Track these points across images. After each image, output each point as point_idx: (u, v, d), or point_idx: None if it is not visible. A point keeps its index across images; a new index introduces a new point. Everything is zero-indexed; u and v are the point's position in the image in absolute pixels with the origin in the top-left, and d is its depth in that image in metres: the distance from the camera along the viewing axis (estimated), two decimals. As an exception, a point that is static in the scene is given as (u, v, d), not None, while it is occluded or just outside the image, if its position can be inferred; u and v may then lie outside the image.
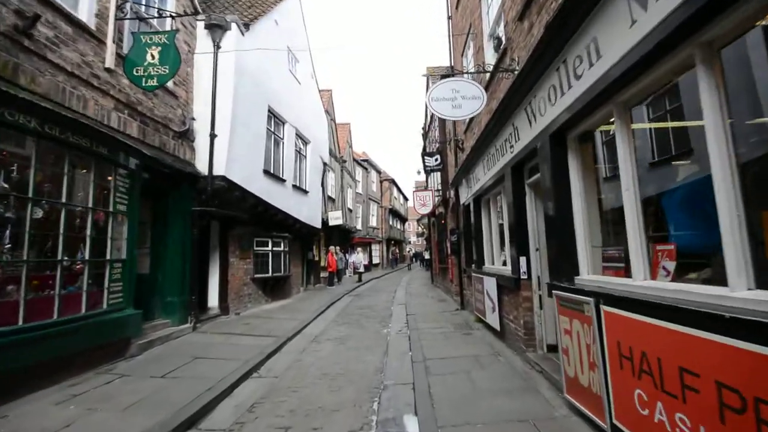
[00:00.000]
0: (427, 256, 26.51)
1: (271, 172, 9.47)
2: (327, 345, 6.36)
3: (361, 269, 17.24)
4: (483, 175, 6.54)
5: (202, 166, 7.27)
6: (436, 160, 9.96)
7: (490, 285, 6.02)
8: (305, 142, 12.16)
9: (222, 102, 7.46)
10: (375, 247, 30.02)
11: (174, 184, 6.84)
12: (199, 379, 4.48)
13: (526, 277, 4.69)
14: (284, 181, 10.12)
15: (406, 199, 43.22)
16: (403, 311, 9.48)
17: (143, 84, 5.33)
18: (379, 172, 32.35)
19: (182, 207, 6.97)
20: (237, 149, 7.79)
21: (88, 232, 4.79)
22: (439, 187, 11.08)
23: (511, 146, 4.79)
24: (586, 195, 3.46)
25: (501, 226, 6.51)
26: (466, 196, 8.24)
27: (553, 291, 3.45)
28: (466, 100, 4.43)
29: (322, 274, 15.78)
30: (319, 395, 4.15)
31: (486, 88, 5.10)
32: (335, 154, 17.86)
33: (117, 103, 5.49)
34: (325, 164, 14.07)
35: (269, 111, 9.43)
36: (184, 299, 6.82)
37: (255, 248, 9.66)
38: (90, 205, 4.85)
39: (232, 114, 7.58)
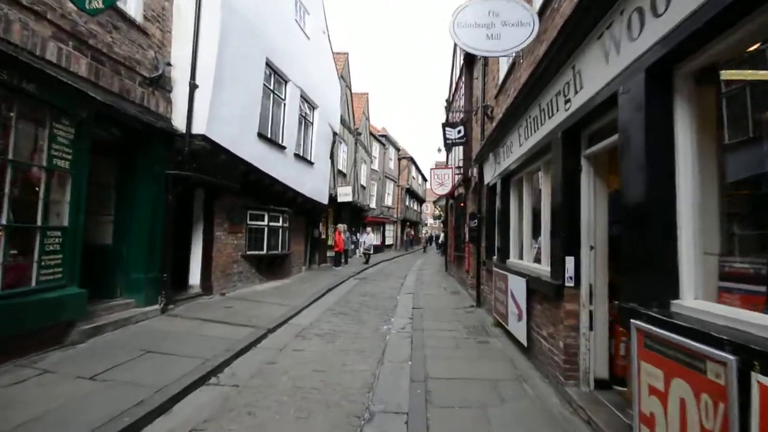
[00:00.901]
0: (442, 239, 25.24)
1: (268, 136, 8.30)
2: (313, 343, 5.31)
3: (371, 251, 16.12)
4: (517, 148, 5.16)
5: (180, 122, 6.16)
6: (459, 132, 8.54)
7: (517, 286, 4.76)
8: (312, 107, 10.87)
9: (206, 45, 6.25)
10: (389, 228, 28.91)
11: (144, 142, 5.78)
12: (136, 385, 3.49)
13: (572, 284, 3.41)
14: (284, 148, 8.95)
15: (425, 179, 41.55)
16: (410, 302, 8.36)
17: (86, 6, 4.16)
18: (397, 149, 30.80)
19: (154, 169, 5.92)
20: (223, 105, 6.62)
21: (7, 190, 3.78)
22: (461, 164, 9.65)
23: (567, 101, 3.40)
24: (700, 168, 2.12)
25: (536, 212, 5.18)
26: (492, 174, 6.87)
27: (633, 321, 2.17)
28: (508, 28, 3.09)
29: (329, 254, 14.82)
30: (280, 425, 3.09)
31: (540, 14, 3.64)
32: (349, 125, 16.51)
33: (57, 30, 4.35)
34: (335, 134, 12.79)
35: (268, 65, 8.16)
36: (153, 276, 5.88)
37: (248, 222, 8.65)
38: (10, 157, 3.81)
39: (218, 61, 6.37)
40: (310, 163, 10.74)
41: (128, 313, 5.43)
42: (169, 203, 6.10)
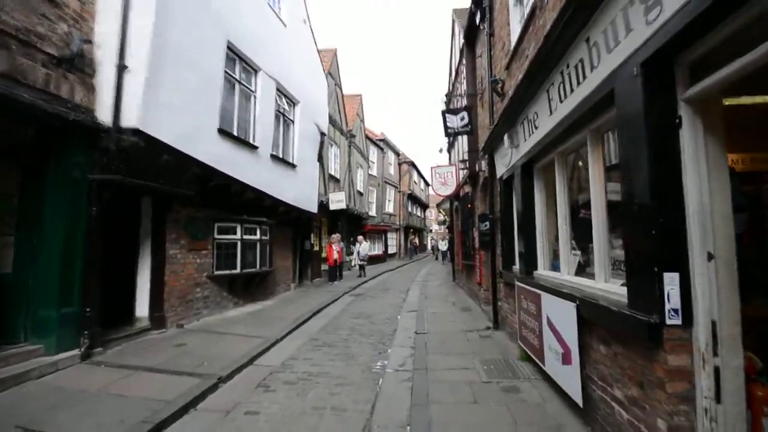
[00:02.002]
0: (443, 247, 23.57)
1: (234, 134, 6.96)
2: (277, 397, 3.87)
3: (366, 261, 14.55)
4: (545, 119, 3.76)
5: (108, 115, 4.83)
6: (463, 119, 7.16)
7: (560, 313, 3.31)
8: (292, 103, 9.56)
9: (139, 18, 4.97)
10: (391, 236, 27.45)
11: (57, 141, 4.47)
12: None
13: (678, 320, 1.96)
14: (256, 148, 7.60)
15: (427, 184, 40.13)
16: (413, 324, 6.90)
17: None
18: (397, 153, 29.49)
19: (73, 175, 4.58)
20: (165, 94, 5.30)
21: None
22: (465, 157, 8.23)
23: (650, 9, 2.00)
24: None
25: (575, 206, 3.76)
26: (506, 164, 5.46)
27: None
28: None
29: (324, 267, 13.39)
30: None
31: None
32: (341, 127, 15.21)
33: None
34: (323, 134, 11.46)
35: (230, 49, 6.87)
36: (71, 312, 4.50)
37: (216, 237, 7.28)
38: None
39: (155, 37, 5.08)
40: (292, 165, 9.39)
41: (29, 364, 4.04)
42: (93, 217, 4.74)
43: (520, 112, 4.46)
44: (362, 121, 19.60)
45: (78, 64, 4.63)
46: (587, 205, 3.26)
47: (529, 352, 4.35)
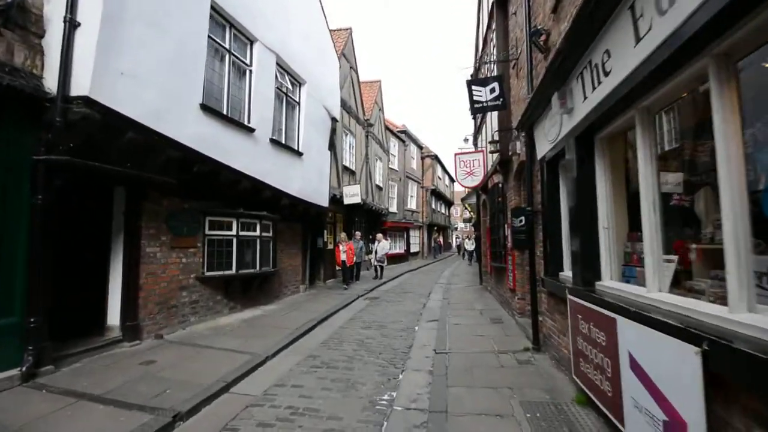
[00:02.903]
0: (469, 246, 21.92)
1: (222, 112, 6.01)
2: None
3: (384, 262, 13.05)
4: (624, 57, 2.50)
5: (56, 82, 3.97)
6: (493, 90, 5.90)
7: (660, 354, 2.08)
8: (297, 82, 8.56)
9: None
10: (414, 234, 26.20)
11: (-11, 111, 3.64)
12: None
13: None
14: (251, 130, 6.65)
15: (452, 180, 38.56)
16: (432, 339, 5.77)
17: None
18: (420, 147, 28.14)
19: (9, 155, 3.75)
20: (130, 58, 4.39)
21: None
22: (496, 137, 6.86)
23: None
24: None
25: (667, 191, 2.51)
26: (552, 138, 4.19)
27: None
28: None
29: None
30: None
31: None
32: (356, 114, 14.12)
33: None
34: (334, 120, 10.42)
35: (216, 12, 5.92)
36: (10, 325, 3.70)
37: (207, 232, 6.40)
38: None
39: (113, -12, 4.17)
40: (297, 153, 8.40)
41: (-56, 392, 3.22)
42: (39, 207, 3.90)
43: (578, 60, 3.20)
44: (381, 110, 18.45)
45: (15, 18, 3.78)
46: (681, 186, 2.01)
47: (591, 396, 3.11)
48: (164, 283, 5.55)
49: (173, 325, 5.69)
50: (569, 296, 3.60)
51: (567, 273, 4.23)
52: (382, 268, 12.50)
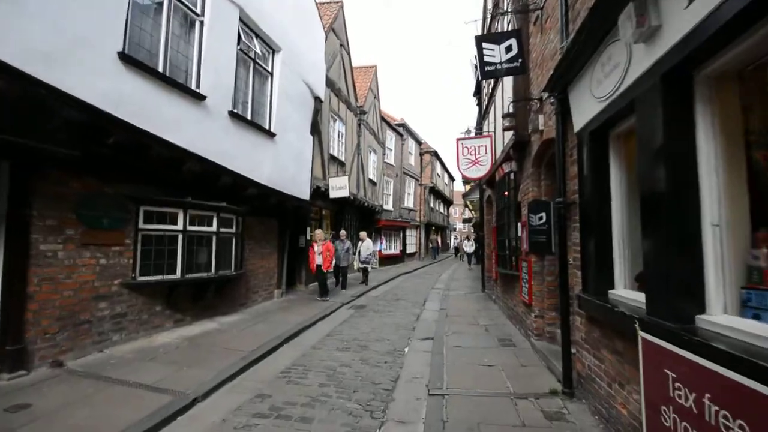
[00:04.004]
0: (468, 248, 20.41)
1: (155, 68, 4.61)
2: None
3: (369, 264, 10.98)
4: None
5: None
6: (509, 49, 4.55)
7: None
8: (269, 48, 7.15)
9: None
10: (410, 233, 24.81)
11: None
12: None
13: None
14: (201, 98, 5.26)
15: (452, 178, 37.22)
16: (425, 369, 4.44)
17: None
18: (419, 142, 26.74)
19: None
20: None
21: None
22: (511, 110, 5.44)
23: None
24: None
25: None
26: (604, 95, 2.84)
27: None
28: None
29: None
30: None
31: None
32: (348, 99, 12.71)
33: None
34: (318, 100, 9.02)
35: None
36: None
37: (143, 226, 5.03)
38: None
39: None
40: (269, 133, 7.01)
41: None
42: None
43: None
44: (377, 98, 17.03)
45: None
46: None
47: None
48: (69, 291, 4.17)
49: (84, 347, 4.32)
50: (643, 335, 2.25)
51: (623, 293, 2.89)
52: (367, 270, 10.90)
